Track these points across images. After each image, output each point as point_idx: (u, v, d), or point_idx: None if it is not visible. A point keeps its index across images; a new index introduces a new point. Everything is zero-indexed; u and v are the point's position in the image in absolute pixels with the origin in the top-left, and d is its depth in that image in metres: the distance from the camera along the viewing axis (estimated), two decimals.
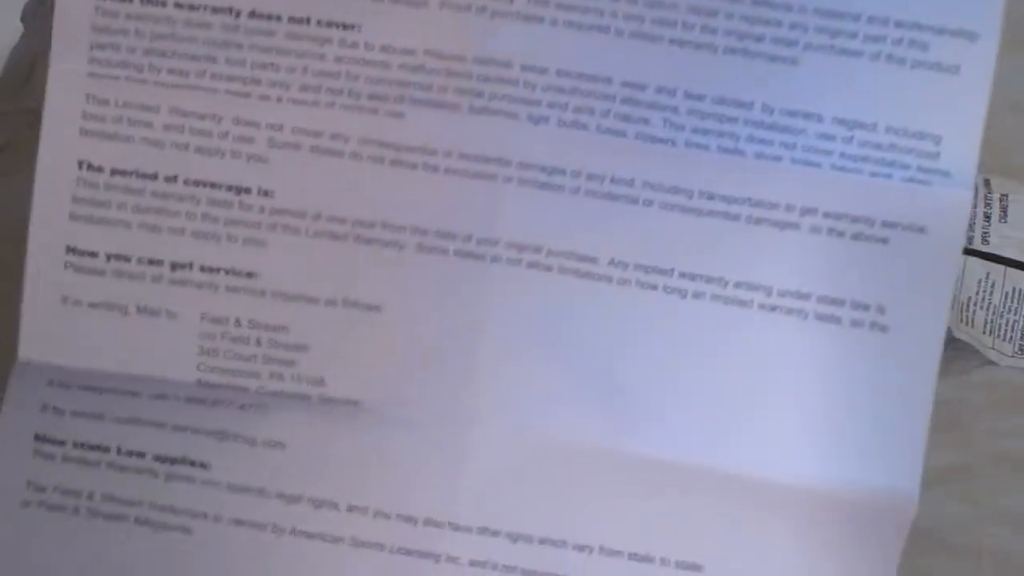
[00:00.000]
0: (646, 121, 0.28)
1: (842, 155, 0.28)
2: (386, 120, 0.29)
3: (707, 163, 0.28)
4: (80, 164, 0.30)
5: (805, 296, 0.29)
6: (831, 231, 0.28)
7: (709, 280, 0.29)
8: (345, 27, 0.29)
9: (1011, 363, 0.42)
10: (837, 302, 0.29)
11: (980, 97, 0.28)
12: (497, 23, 0.28)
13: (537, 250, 0.29)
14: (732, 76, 0.28)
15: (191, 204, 0.30)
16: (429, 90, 0.29)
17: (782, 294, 0.29)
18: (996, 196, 0.44)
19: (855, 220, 0.28)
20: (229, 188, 0.30)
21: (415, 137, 0.29)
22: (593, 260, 0.29)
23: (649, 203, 0.29)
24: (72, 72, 0.29)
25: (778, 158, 0.28)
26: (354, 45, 0.29)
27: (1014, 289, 0.43)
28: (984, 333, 0.42)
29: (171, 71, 0.29)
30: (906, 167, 0.28)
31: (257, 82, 0.29)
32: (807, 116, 0.28)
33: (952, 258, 0.29)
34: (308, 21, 0.29)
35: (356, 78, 0.29)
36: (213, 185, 0.30)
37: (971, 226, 0.44)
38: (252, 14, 0.29)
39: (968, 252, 0.43)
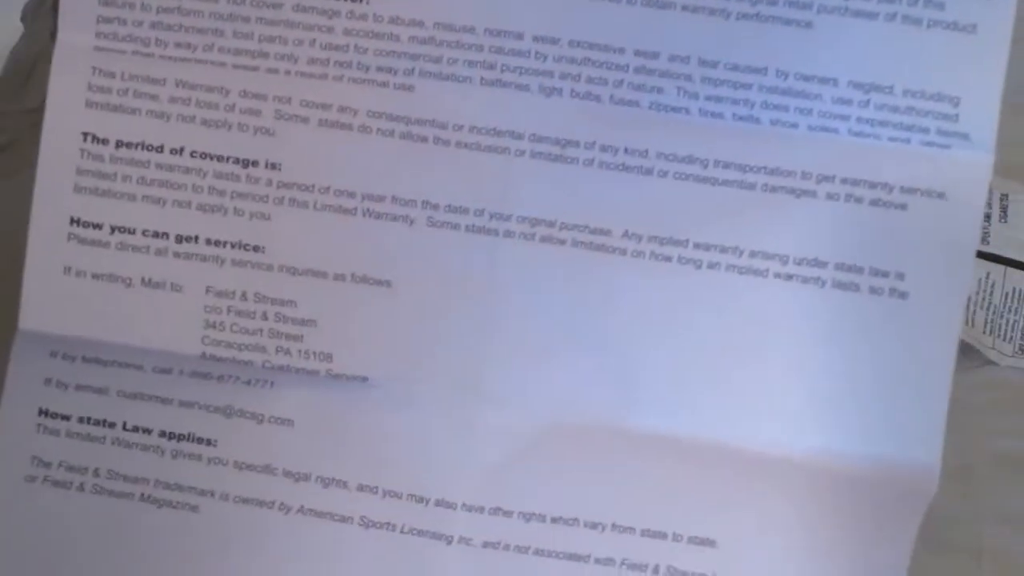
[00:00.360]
0: (660, 90, 0.28)
1: (859, 120, 0.28)
2: (396, 93, 0.29)
3: (722, 131, 0.28)
4: (85, 136, 0.30)
5: (822, 264, 0.29)
6: (849, 198, 0.28)
7: (724, 250, 0.29)
8: None
9: (1011, 363, 0.42)
10: (855, 269, 0.29)
11: (999, 56, 0.27)
12: None
13: (550, 224, 0.29)
14: (745, 42, 0.28)
15: (197, 177, 0.30)
16: (439, 62, 0.29)
17: (799, 262, 0.29)
18: (996, 196, 0.44)
19: (873, 186, 0.28)
20: (236, 161, 0.30)
21: (425, 110, 0.29)
22: (607, 232, 0.29)
23: (664, 173, 0.29)
24: (78, 45, 0.29)
25: (794, 125, 0.28)
26: (363, 17, 0.29)
27: (1014, 289, 0.43)
28: (984, 333, 0.42)
29: (178, 44, 0.29)
30: (924, 131, 0.28)
31: (265, 55, 0.29)
32: (822, 81, 0.28)
33: (973, 223, 0.28)
34: None
35: (365, 51, 0.29)
36: (220, 158, 0.30)
37: None
38: None
39: None
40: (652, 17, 0.28)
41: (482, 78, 0.29)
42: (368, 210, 0.29)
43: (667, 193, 0.29)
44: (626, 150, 0.29)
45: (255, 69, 0.29)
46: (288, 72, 0.29)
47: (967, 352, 0.42)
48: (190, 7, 0.29)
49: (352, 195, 0.29)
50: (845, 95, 0.28)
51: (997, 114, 0.27)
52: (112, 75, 0.29)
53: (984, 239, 0.43)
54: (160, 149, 0.30)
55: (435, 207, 0.29)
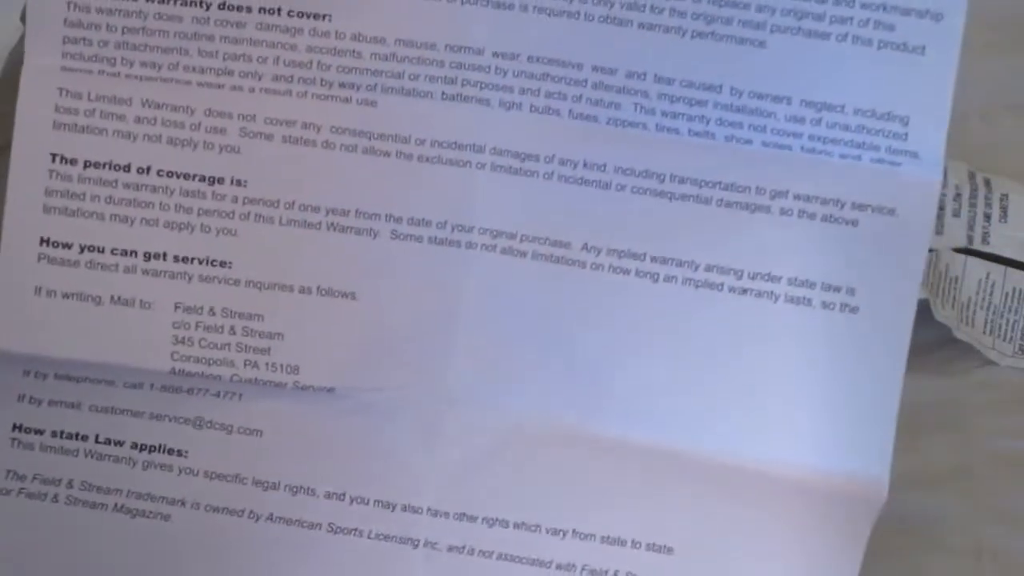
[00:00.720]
0: (617, 106, 0.29)
1: (811, 137, 0.28)
2: (359, 109, 0.29)
3: (678, 147, 0.29)
4: (53, 157, 0.30)
5: (776, 279, 0.29)
6: (801, 213, 0.29)
7: (680, 264, 0.29)
8: (316, 17, 0.29)
9: (1011, 363, 0.42)
10: (808, 284, 0.29)
11: (946, 77, 0.27)
12: (467, 10, 0.28)
13: (512, 236, 0.29)
14: (701, 59, 0.28)
15: (164, 195, 0.30)
16: (401, 78, 0.29)
17: (752, 276, 0.29)
18: (996, 196, 0.44)
19: (825, 202, 0.29)
20: (202, 179, 0.30)
21: (388, 125, 0.29)
22: (567, 245, 0.29)
23: (621, 187, 0.29)
24: (45, 67, 0.30)
25: (748, 141, 0.28)
26: (325, 35, 0.29)
27: (1014, 289, 0.43)
28: (984, 333, 0.42)
29: (143, 64, 0.29)
30: (875, 148, 0.28)
31: (229, 73, 0.29)
32: (776, 99, 0.28)
33: (922, 240, 0.29)
34: (279, 11, 0.29)
35: (328, 68, 0.29)
36: (186, 176, 0.30)
37: (971, 226, 0.44)
38: (222, 6, 0.29)
39: (968, 252, 0.43)
40: (609, 33, 0.28)
41: (443, 93, 0.29)
42: (333, 224, 0.30)
43: (625, 207, 0.29)
44: (585, 164, 0.29)
45: (220, 87, 0.29)
46: (252, 89, 0.29)
47: (967, 352, 0.42)
48: (155, 27, 0.29)
49: (316, 210, 0.30)
50: (798, 113, 0.28)
51: (945, 133, 0.27)
52: (79, 96, 0.30)
53: (984, 239, 0.43)
54: (127, 168, 0.30)
55: (399, 220, 0.30)
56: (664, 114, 0.29)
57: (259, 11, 0.29)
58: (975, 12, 0.58)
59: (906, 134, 0.28)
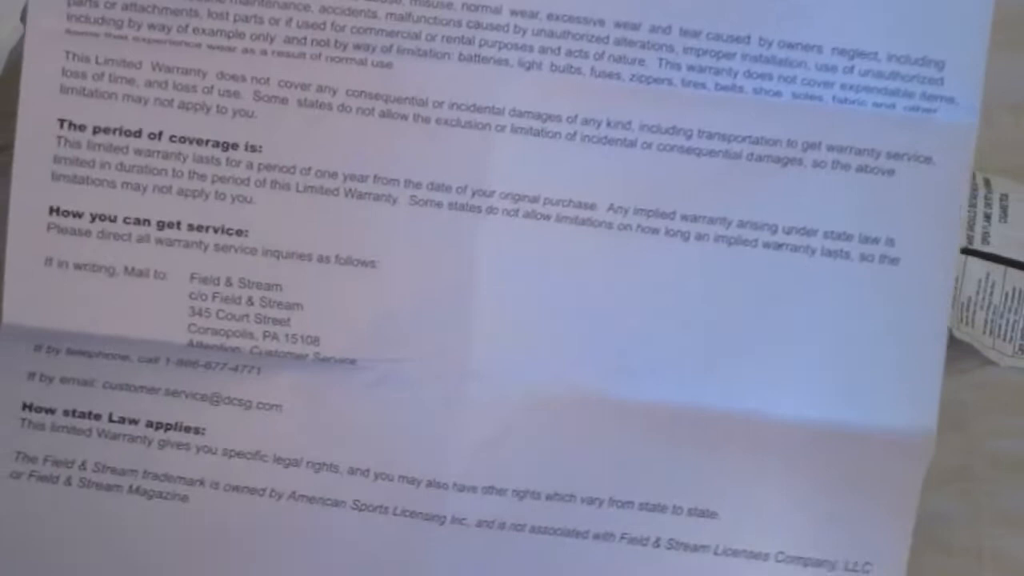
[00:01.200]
0: (642, 62, 0.28)
1: (843, 86, 0.28)
2: (374, 71, 0.29)
3: (705, 101, 0.28)
4: (61, 123, 0.29)
5: (811, 232, 0.29)
6: (836, 164, 0.28)
7: (712, 221, 0.29)
8: None
9: (1011, 363, 0.42)
10: (845, 236, 0.29)
11: (983, 18, 0.28)
12: None
13: (534, 199, 0.29)
14: (728, 10, 0.28)
15: (177, 161, 0.29)
16: (417, 39, 0.29)
17: (787, 231, 0.29)
18: (996, 196, 0.44)
19: (860, 153, 0.28)
20: (215, 144, 0.29)
21: (404, 88, 0.29)
22: (592, 207, 0.29)
23: (648, 145, 0.29)
24: (50, 29, 0.29)
25: (778, 93, 0.28)
26: None
27: (1014, 289, 0.43)
28: (984, 333, 0.42)
29: (151, 26, 0.29)
30: (910, 95, 0.28)
31: (241, 35, 0.29)
32: (806, 48, 0.28)
33: (961, 187, 0.29)
34: None
35: (342, 28, 0.29)
36: (199, 141, 0.29)
37: (971, 226, 0.44)
38: None
39: (968, 252, 0.43)
40: None
41: (460, 54, 0.28)
42: (350, 190, 0.29)
43: (652, 165, 0.29)
44: (608, 123, 0.29)
45: (231, 50, 0.29)
46: (265, 52, 0.29)
47: (967, 352, 0.42)
48: None
49: (334, 176, 0.29)
50: (829, 62, 0.28)
51: (983, 76, 0.27)
52: (86, 59, 0.29)
53: (984, 239, 0.43)
54: (138, 134, 0.29)
55: (417, 186, 0.29)
56: (690, 68, 0.28)
57: None
58: None
59: (942, 79, 0.28)
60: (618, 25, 0.28)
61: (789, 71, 0.28)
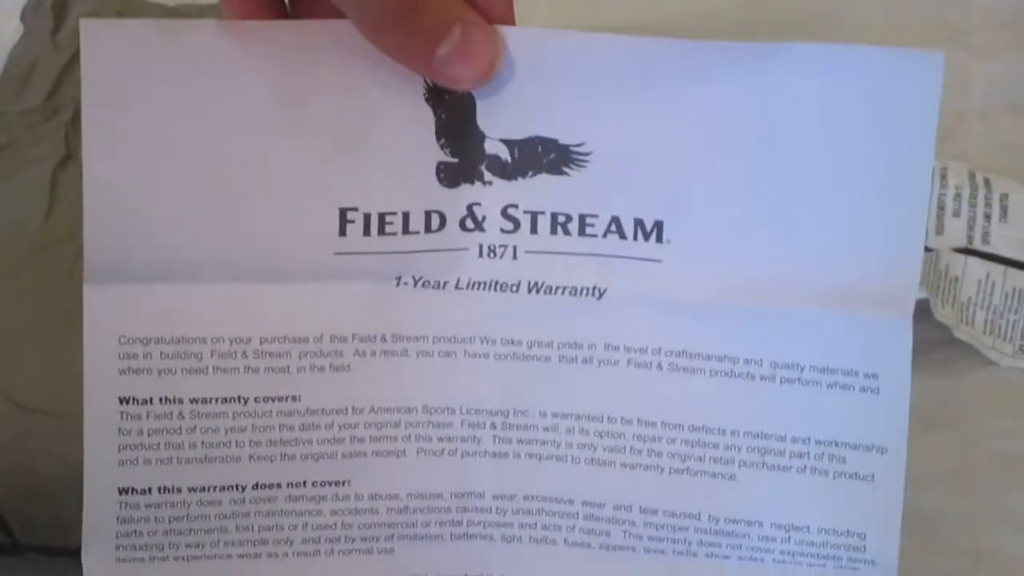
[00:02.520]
0: (607, 534, 0.32)
1: (782, 552, 0.32)
2: (379, 557, 0.32)
3: (664, 564, 0.32)
4: None
5: None
6: None
7: None
8: (337, 484, 0.32)
9: (1011, 363, 0.42)
10: None
11: (895, 499, 0.31)
12: (468, 462, 0.32)
13: None
14: (679, 492, 0.32)
15: None
16: (414, 526, 0.32)
17: None
18: (996, 196, 0.44)
19: None
20: None
21: (406, 568, 0.33)
22: None
23: None
24: (103, 558, 0.32)
25: (726, 556, 0.32)
26: (346, 498, 0.32)
27: (1014, 289, 0.43)
28: (984, 333, 0.42)
29: (188, 545, 0.32)
30: (838, 559, 0.32)
31: (264, 542, 0.32)
32: (749, 523, 0.32)
33: None
34: (304, 484, 0.32)
35: (350, 526, 0.32)
36: None
37: (971, 226, 0.44)
38: (256, 486, 0.32)
39: (968, 252, 0.43)
40: (595, 473, 0.32)
41: (452, 533, 0.32)
42: None
43: None
44: None
45: (257, 556, 0.32)
46: (286, 554, 0.32)
47: (967, 352, 0.42)
48: (196, 512, 0.32)
49: None
50: (769, 534, 0.32)
51: (898, 543, 0.31)
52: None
53: (984, 239, 0.43)
54: None
55: None
56: (650, 538, 0.32)
57: (288, 486, 0.32)
58: (975, 12, 0.58)
59: (864, 546, 0.31)
60: (585, 504, 0.32)
61: (736, 540, 0.32)
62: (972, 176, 0.44)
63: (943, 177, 0.44)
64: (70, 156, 0.45)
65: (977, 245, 0.43)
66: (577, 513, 0.32)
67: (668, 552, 0.32)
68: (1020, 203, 0.44)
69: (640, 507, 0.32)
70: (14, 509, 0.39)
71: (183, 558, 0.32)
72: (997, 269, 0.43)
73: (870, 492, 0.31)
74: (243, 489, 0.32)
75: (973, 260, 0.43)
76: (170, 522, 0.31)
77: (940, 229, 0.43)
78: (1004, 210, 0.44)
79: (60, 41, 0.49)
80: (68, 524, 0.36)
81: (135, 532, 0.32)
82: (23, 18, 0.51)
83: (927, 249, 0.43)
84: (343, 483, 0.32)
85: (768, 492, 0.31)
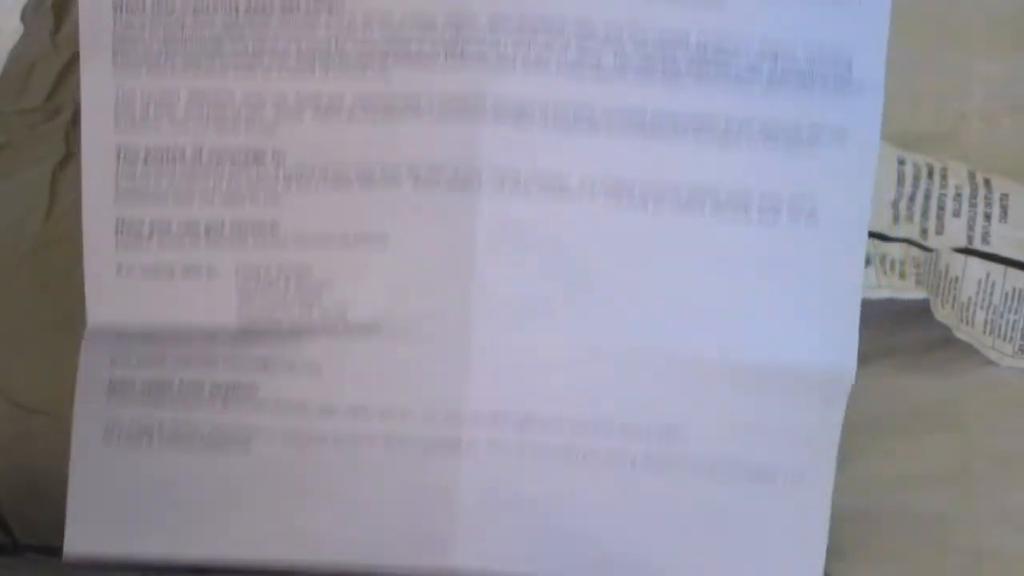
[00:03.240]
0: (599, 56, 0.33)
1: (770, 75, 0.33)
2: (373, 74, 0.34)
3: (654, 87, 0.33)
4: (119, 152, 0.34)
5: (748, 198, 0.34)
6: (767, 138, 0.34)
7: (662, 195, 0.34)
8: (330, 4, 0.33)
9: (1011, 363, 0.42)
10: (776, 201, 0.34)
11: (882, 16, 0.33)
12: None
13: (516, 176, 0.34)
14: (669, 18, 0.33)
15: (216, 174, 0.34)
16: (408, 45, 0.33)
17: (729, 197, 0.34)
18: (996, 196, 0.44)
19: (785, 128, 0.34)
20: (247, 155, 0.34)
21: (401, 88, 0.33)
22: (566, 182, 0.34)
23: (609, 127, 0.34)
24: (101, 70, 0.34)
25: (715, 79, 0.33)
26: (340, 17, 0.33)
27: (1014, 289, 0.43)
28: (984, 333, 0.42)
29: (184, 56, 0.34)
30: (824, 80, 0.33)
31: (260, 56, 0.34)
32: (736, 49, 0.33)
33: (870, 155, 0.34)
34: (298, 7, 0.34)
35: (344, 44, 0.33)
36: (233, 155, 0.34)
37: (971, 226, 0.44)
38: (248, 8, 0.34)
39: (968, 252, 0.43)
40: None
41: (445, 53, 0.33)
42: (362, 180, 0.34)
43: (613, 143, 0.34)
44: (575, 108, 0.34)
45: (252, 69, 0.34)
46: (281, 71, 0.34)
47: (967, 352, 0.42)
48: (191, 28, 0.34)
49: (346, 172, 0.34)
50: (755, 61, 0.33)
51: (884, 64, 0.33)
52: (134, 94, 0.34)
53: (984, 239, 0.43)
54: (183, 153, 0.35)
55: (418, 169, 0.34)
56: (641, 58, 0.33)
57: (280, 10, 0.34)
58: (975, 12, 0.58)
59: (850, 66, 0.33)
60: (578, 24, 0.33)
61: (722, 67, 0.33)
62: (972, 176, 0.44)
63: (943, 177, 0.44)
64: (70, 156, 0.45)
65: (977, 245, 0.43)
66: (570, 40, 0.33)
67: (657, 74, 0.33)
68: (1020, 203, 0.44)
69: (630, 33, 0.33)
70: (14, 509, 0.39)
71: (179, 67, 0.34)
72: (997, 269, 0.43)
73: (858, 11, 0.33)
74: (236, 9, 0.33)
75: (973, 260, 0.43)
76: (166, 30, 0.33)
77: (940, 229, 0.43)
78: (1004, 210, 0.44)
79: (60, 41, 0.49)
80: None
81: (132, 41, 0.34)
82: (23, 18, 0.51)
83: (928, 249, 0.43)
84: (337, 2, 0.33)
85: (755, 15, 0.33)
